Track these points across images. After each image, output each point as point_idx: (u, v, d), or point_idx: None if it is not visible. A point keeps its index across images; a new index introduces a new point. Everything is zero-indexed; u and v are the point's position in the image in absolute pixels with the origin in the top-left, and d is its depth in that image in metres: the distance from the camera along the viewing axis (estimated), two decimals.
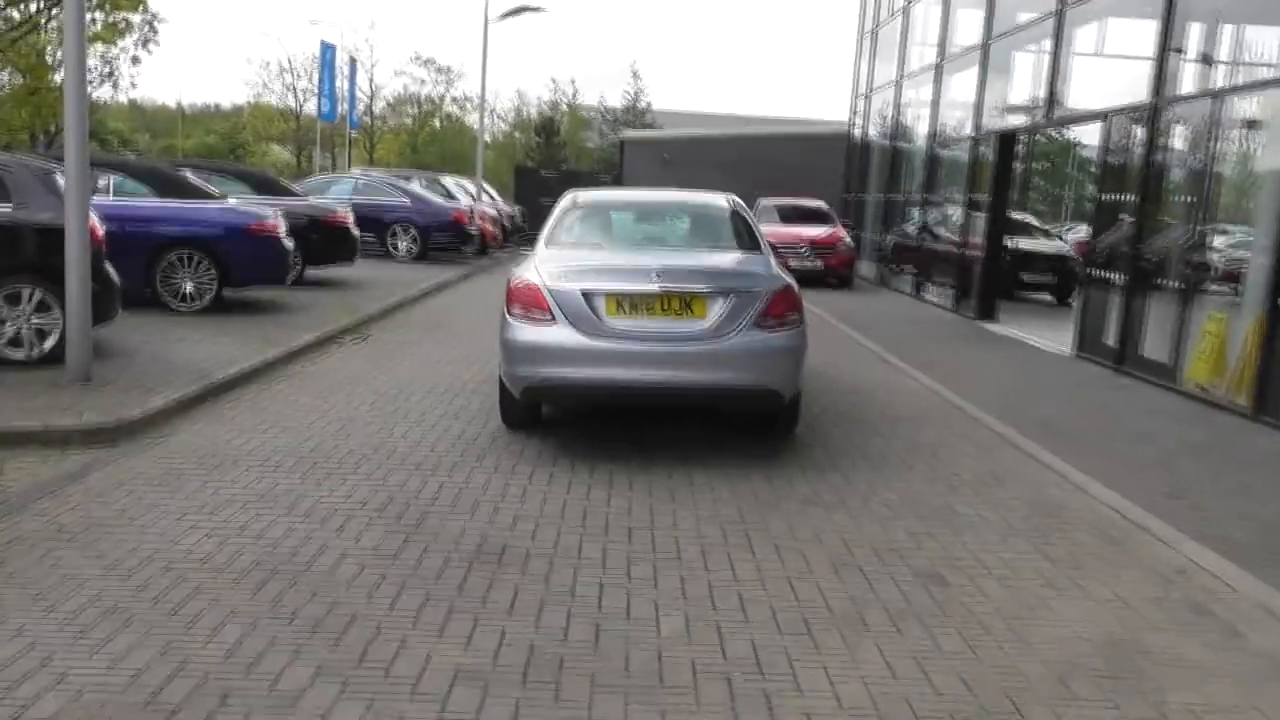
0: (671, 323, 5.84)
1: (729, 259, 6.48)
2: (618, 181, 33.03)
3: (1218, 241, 9.51)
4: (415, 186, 21.05)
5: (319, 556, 4.33)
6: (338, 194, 18.96)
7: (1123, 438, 7.25)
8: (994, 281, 14.77)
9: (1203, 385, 9.01)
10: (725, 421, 7.04)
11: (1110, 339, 10.55)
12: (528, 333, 5.92)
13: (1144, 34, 10.71)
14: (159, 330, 9.31)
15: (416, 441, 6.31)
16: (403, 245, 19.39)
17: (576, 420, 7.03)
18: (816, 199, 21.84)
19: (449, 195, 22.21)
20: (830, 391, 8.59)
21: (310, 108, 49.76)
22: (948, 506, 5.43)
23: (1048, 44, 12.98)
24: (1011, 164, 14.88)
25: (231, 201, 11.23)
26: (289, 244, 11.24)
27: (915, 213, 18.82)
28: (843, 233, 19.89)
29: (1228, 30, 9.92)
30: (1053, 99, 12.76)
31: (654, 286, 5.81)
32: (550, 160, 48.78)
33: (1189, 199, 9.64)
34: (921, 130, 18.83)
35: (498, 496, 5.27)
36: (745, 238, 6.86)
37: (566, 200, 7.20)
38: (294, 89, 52.32)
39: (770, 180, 30.15)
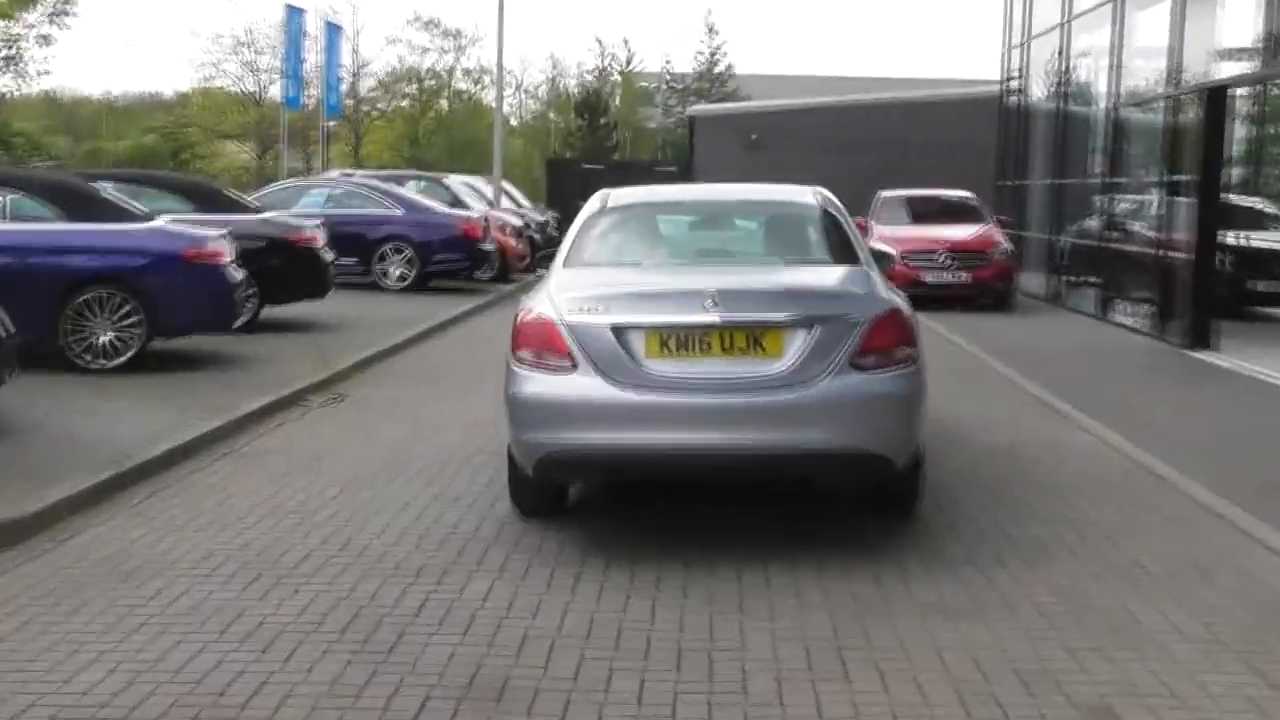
0: (735, 365, 5.90)
1: (814, 276, 6.55)
2: (685, 174, 33.44)
3: None
4: (410, 192, 21.56)
5: (256, 696, 4.42)
6: (308, 205, 19.52)
7: None
8: (1209, 294, 14.51)
9: None
10: (815, 500, 7.02)
11: None
12: (540, 385, 6.01)
13: None
14: (67, 396, 9.62)
15: (398, 537, 6.41)
16: (394, 271, 19.80)
17: (611, 502, 7.06)
18: (960, 189, 21.82)
19: (456, 202, 22.73)
20: (968, 453, 8.53)
21: (276, 92, 51.38)
22: (1128, 613, 5.34)
23: None
24: (1224, 129, 14.68)
25: (161, 222, 11.58)
26: (238, 275, 11.55)
27: (1098, 202, 18.67)
28: (997, 233, 19.83)
29: None
30: None
31: (711, 317, 5.87)
32: (596, 148, 49.59)
33: None
34: (1101, 89, 18.75)
35: (502, 609, 5.33)
36: (837, 246, 6.92)
37: (594, 203, 7.34)
38: (254, 68, 53.94)
39: (896, 165, 30.05)
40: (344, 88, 47.91)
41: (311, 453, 8.49)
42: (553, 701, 4.40)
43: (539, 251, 24.75)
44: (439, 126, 55.76)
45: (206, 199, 14.52)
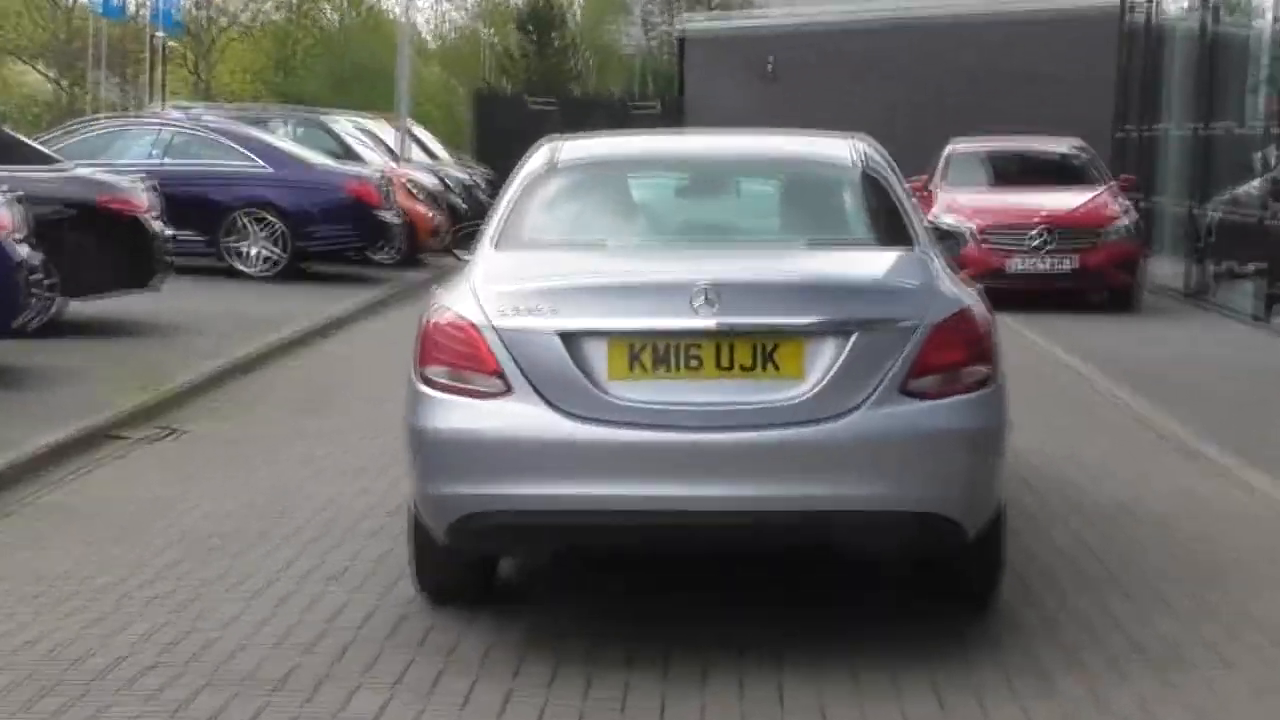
0: (737, 388, 5.89)
1: (851, 264, 6.56)
2: (673, 115, 33.40)
3: None
4: (279, 139, 21.52)
5: None
6: (131, 156, 19.37)
7: None
8: None
9: None
10: (849, 570, 7.01)
11: None
12: (459, 417, 5.97)
13: None
14: None
15: (253, 630, 6.37)
16: (254, 250, 19.77)
17: (559, 580, 6.99)
18: (1063, 138, 21.88)
19: (346, 153, 22.73)
20: (1075, 517, 8.56)
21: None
22: None
23: None
24: None
25: None
26: (23, 254, 11.51)
27: (1261, 159, 18.75)
28: (1116, 202, 19.86)
29: None
30: None
31: (704, 320, 5.84)
32: (549, 77, 49.53)
33: None
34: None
35: None
36: (883, 221, 6.93)
37: (539, 158, 7.26)
38: None
39: (972, 105, 30.06)
40: None
41: (131, 510, 8.43)
42: None
43: (463, 224, 24.70)
44: (321, 46, 55.63)
45: None
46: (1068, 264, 18.71)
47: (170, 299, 15.55)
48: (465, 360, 6.02)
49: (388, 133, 25.37)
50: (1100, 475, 9.69)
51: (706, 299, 5.87)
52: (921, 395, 5.92)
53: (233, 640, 6.26)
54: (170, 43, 43.60)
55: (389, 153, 24.51)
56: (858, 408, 5.85)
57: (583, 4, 55.08)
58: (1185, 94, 21.78)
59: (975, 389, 6.04)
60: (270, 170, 20.08)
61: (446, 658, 6.06)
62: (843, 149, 7.42)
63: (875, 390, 5.86)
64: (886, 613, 6.75)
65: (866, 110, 32.20)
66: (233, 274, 19.47)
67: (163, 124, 21.37)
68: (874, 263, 6.55)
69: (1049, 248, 18.66)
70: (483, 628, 6.40)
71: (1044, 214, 19.00)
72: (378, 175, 21.18)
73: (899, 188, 7.13)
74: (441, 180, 24.96)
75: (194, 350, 13.47)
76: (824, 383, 5.85)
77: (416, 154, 26.22)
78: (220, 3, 56.29)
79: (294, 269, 19.75)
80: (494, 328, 5.98)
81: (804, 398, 5.85)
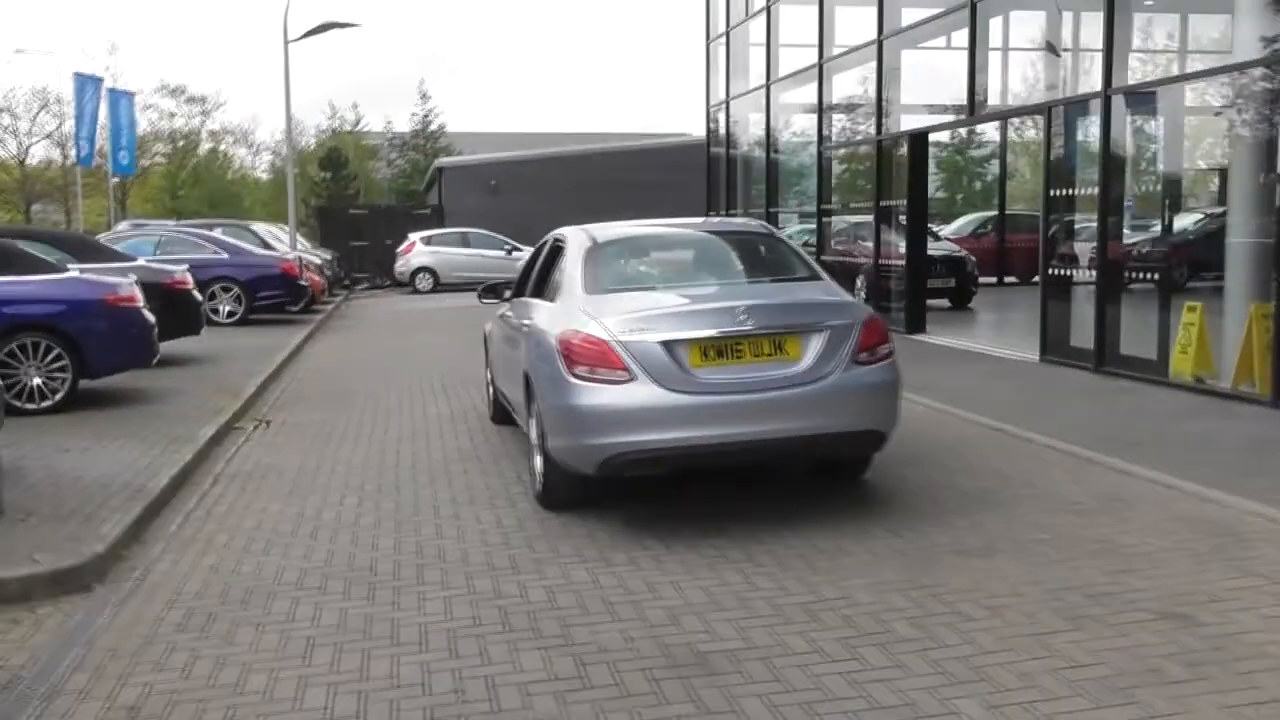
0: (765, 368, 5.76)
1: (806, 290, 6.45)
2: (439, 216, 32.47)
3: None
4: (229, 238, 20.01)
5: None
6: (142, 254, 17.66)
7: (1181, 442, 7.66)
8: (920, 290, 15.45)
9: (1203, 376, 9.73)
10: (774, 477, 6.88)
11: (1081, 340, 11.17)
12: (603, 396, 5.66)
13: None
14: (20, 437, 8.32)
15: (447, 546, 5.90)
16: (224, 308, 18.32)
17: (618, 498, 6.52)
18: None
19: (264, 245, 21.28)
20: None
21: (39, 152, 46.73)
22: (1108, 539, 5.51)
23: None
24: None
25: (76, 272, 10.32)
26: (152, 319, 10.44)
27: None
28: None
29: None
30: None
31: (746, 327, 5.71)
32: (340, 196, 47.53)
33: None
34: (794, 138, 19.42)
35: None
36: (802, 265, 6.84)
37: (578, 240, 6.85)
38: (15, 132, 48.43)
39: (612, 205, 30.36)
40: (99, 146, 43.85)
41: (292, 473, 7.72)
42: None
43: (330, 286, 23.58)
44: (194, 181, 51.96)
45: (82, 249, 12.95)
46: None
47: (193, 341, 14.20)
48: (600, 361, 5.71)
49: (283, 234, 23.72)
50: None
51: (744, 314, 5.75)
52: (863, 364, 5.91)
53: (451, 545, 5.80)
54: (118, 179, 39.72)
55: (287, 245, 22.96)
56: (832, 373, 5.81)
57: (354, 153, 52.75)
58: (747, 191, 22.32)
59: (887, 358, 6.06)
60: (230, 257, 18.63)
61: (577, 538, 5.76)
62: (756, 225, 7.33)
63: (840, 363, 5.84)
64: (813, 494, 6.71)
65: (552, 209, 32.10)
66: (210, 323, 17.95)
67: (156, 233, 19.56)
68: (818, 290, 6.43)
69: None
70: (589, 522, 6.10)
71: None
72: (295, 258, 19.90)
73: (794, 244, 7.08)
74: (320, 259, 23.65)
75: (239, 370, 12.38)
76: (813, 360, 5.81)
77: (301, 245, 24.67)
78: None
79: (246, 319, 18.42)
80: (619, 341, 5.69)
81: (802, 370, 5.79)
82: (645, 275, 6.87)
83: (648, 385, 5.62)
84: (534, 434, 6.51)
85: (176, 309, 13.02)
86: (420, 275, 29.20)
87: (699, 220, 8.17)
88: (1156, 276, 10.69)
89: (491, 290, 8.45)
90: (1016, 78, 16.52)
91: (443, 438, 8.77)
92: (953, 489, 6.58)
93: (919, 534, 5.69)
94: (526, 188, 32.19)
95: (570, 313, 6.17)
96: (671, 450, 5.66)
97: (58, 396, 9.57)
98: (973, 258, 19.71)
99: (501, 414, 8.98)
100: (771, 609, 4.71)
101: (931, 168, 17.23)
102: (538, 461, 6.39)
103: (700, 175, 25.54)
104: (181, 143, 52.93)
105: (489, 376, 9.42)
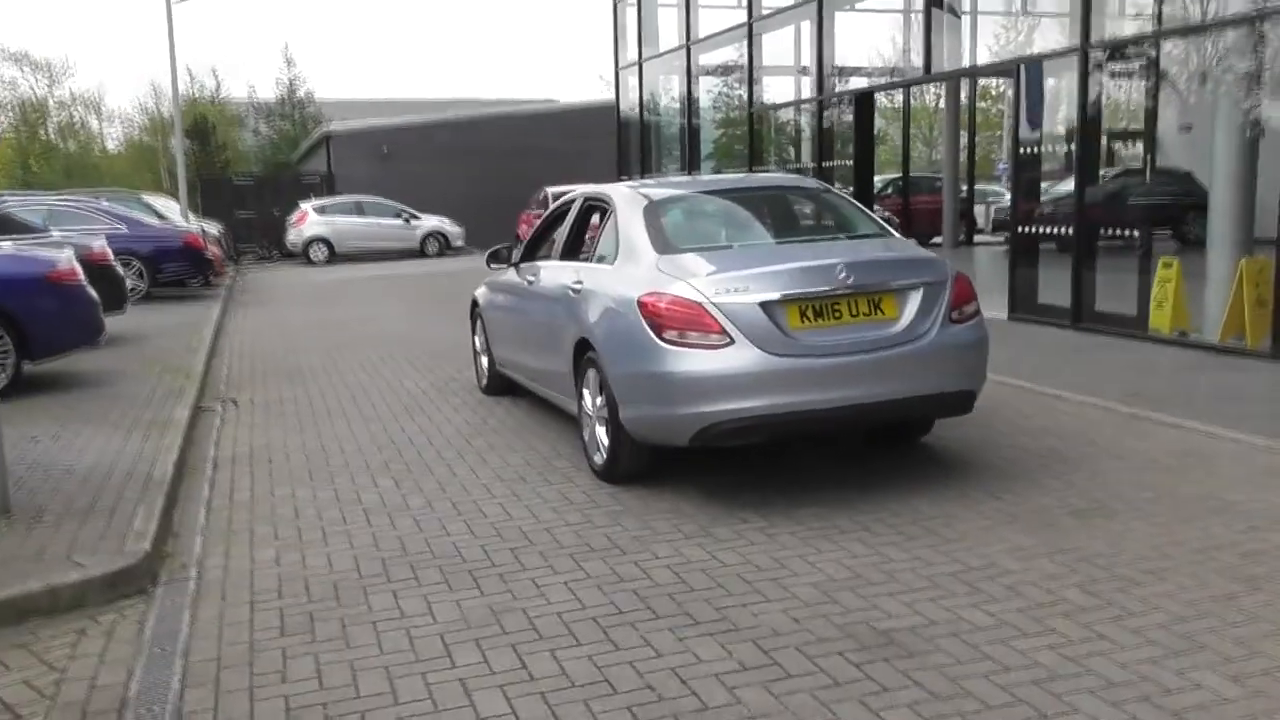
0: (864, 328, 5.48)
1: (890, 247, 6.16)
2: (329, 183, 31.16)
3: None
4: (124, 209, 18.70)
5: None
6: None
7: (1207, 395, 7.73)
8: None
9: (1184, 330, 9.92)
10: (827, 442, 6.65)
11: (1056, 298, 11.27)
12: (699, 361, 5.28)
13: None
14: None
15: (504, 521, 5.49)
16: (127, 283, 17.09)
17: (685, 470, 6.18)
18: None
19: (159, 216, 19.99)
20: None
21: None
22: (1215, 496, 5.46)
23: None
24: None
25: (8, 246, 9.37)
26: (95, 295, 9.59)
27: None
28: None
29: None
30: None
31: (846, 286, 5.41)
32: (209, 166, 45.24)
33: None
34: (720, 100, 19.16)
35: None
36: (869, 221, 6.56)
37: (629, 198, 6.39)
38: None
39: (514, 171, 29.59)
40: None
41: (277, 449, 7.20)
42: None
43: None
44: (49, 152, 48.74)
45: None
46: None
47: (109, 319, 13.17)
48: (693, 325, 5.32)
49: (175, 206, 22.36)
50: None
51: (843, 271, 5.45)
52: (956, 322, 5.70)
53: (530, 526, 5.39)
54: None
55: (183, 217, 21.67)
56: (929, 333, 5.58)
57: (218, 122, 50.14)
58: (660, 155, 22.08)
59: (975, 315, 5.85)
60: (129, 230, 17.33)
61: (662, 513, 5.42)
62: (809, 180, 7.00)
63: (935, 322, 5.61)
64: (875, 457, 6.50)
65: (448, 176, 31.21)
66: None
67: (48, 204, 18.07)
68: (903, 246, 6.17)
69: None
70: (666, 496, 5.76)
71: None
72: (198, 229, 18.74)
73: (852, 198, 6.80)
74: (219, 232, 22.38)
75: (172, 348, 11.55)
76: (910, 319, 5.56)
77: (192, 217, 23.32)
78: None
79: (149, 295, 17.27)
80: (714, 303, 5.33)
81: (900, 329, 5.54)
82: (714, 233, 6.47)
83: (748, 349, 5.28)
84: (591, 405, 6.12)
85: (100, 285, 12.02)
86: (314, 246, 28.05)
87: (740, 175, 7.80)
88: (1134, 234, 10.86)
89: (497, 256, 7.98)
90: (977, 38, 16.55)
91: (442, 412, 8.26)
92: (1018, 448, 6.45)
93: (1019, 496, 5.52)
94: (420, 155, 31.12)
95: (648, 275, 5.72)
96: (772, 418, 5.33)
97: (1, 382, 8.70)
98: (894, 219, 20.00)
99: (501, 386, 8.52)
100: (925, 581, 4.47)
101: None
102: (600, 433, 5.99)
103: (605, 140, 25.13)
104: (35, 114, 49.57)
105: (478, 346, 8.92)
